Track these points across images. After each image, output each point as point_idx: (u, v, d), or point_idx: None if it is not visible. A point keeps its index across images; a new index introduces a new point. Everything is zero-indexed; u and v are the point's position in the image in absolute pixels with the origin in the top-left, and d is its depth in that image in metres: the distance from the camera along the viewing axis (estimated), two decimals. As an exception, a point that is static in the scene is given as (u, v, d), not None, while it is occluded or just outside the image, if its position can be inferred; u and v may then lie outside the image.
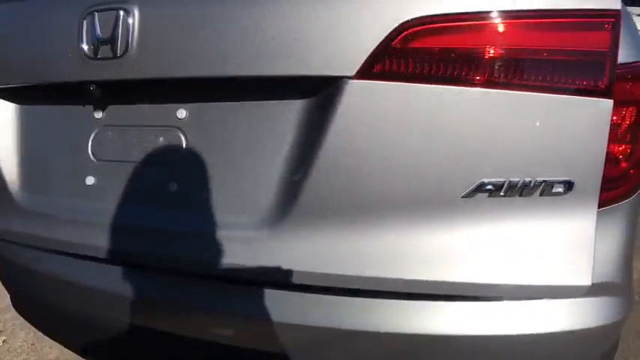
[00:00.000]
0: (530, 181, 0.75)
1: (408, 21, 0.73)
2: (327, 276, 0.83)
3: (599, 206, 0.79)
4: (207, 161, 0.95)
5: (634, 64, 0.84)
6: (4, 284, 1.62)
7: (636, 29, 1.01)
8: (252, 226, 0.89)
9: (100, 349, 1.38)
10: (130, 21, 0.89)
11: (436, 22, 0.73)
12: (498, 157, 0.76)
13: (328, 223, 0.82)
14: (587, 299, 0.84)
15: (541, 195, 0.76)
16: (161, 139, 0.99)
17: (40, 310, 1.52)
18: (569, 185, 0.75)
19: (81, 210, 1.10)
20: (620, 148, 0.85)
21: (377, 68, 0.76)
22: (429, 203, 0.78)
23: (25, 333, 2.25)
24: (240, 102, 0.92)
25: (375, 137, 0.77)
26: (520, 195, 0.76)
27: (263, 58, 0.80)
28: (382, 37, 0.74)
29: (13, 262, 1.49)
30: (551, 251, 0.78)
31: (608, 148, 0.76)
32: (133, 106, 1.03)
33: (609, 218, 0.84)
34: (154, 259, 1.02)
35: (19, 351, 2.15)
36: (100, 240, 1.04)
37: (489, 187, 0.76)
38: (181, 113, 0.97)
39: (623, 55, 0.81)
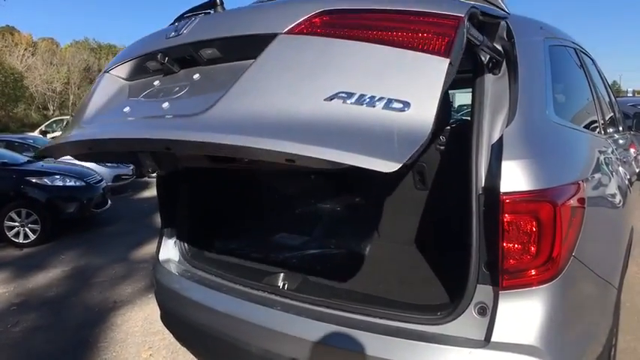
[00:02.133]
0: (375, 97, 1.12)
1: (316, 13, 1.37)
2: None
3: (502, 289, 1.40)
4: None
5: (544, 191, 1.37)
6: (157, 302, 2.36)
7: (579, 150, 1.65)
8: None
9: None
10: None
11: (335, 13, 1.35)
12: (356, 79, 1.19)
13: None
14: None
15: (383, 108, 1.10)
16: None
17: (183, 327, 2.17)
18: (406, 104, 1.09)
19: None
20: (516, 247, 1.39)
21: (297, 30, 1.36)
22: (305, 100, 1.22)
23: (166, 351, 3.23)
24: None
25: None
26: (367, 105, 1.12)
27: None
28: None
29: (165, 286, 2.22)
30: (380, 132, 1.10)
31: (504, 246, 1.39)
32: None
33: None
34: None
35: (159, 364, 3.12)
36: None
37: (343, 95, 1.15)
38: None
39: (544, 179, 1.38)
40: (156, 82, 1.70)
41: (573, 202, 1.45)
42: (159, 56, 1.62)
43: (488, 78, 1.62)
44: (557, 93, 1.86)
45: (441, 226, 2.20)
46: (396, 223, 2.47)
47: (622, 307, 3.37)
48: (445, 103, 2.15)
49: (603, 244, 1.82)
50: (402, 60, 1.18)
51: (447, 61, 1.12)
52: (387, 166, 1.01)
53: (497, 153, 1.43)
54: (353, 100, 1.14)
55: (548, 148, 1.55)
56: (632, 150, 3.39)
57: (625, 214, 2.23)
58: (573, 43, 2.55)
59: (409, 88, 1.12)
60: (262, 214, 2.99)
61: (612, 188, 1.98)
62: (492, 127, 1.51)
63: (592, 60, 3.05)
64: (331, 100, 1.16)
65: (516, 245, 1.38)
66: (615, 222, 2.05)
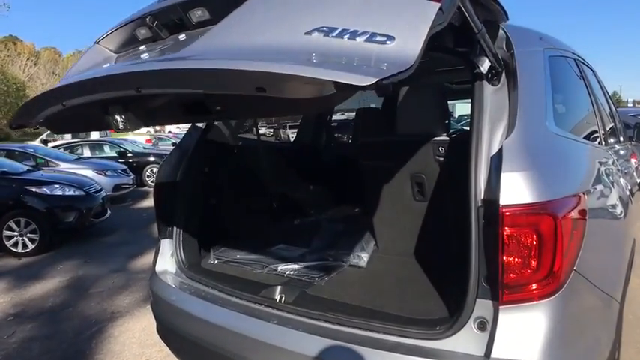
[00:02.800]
0: (358, 30, 1.08)
1: None
2: None
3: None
4: None
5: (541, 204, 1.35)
6: (153, 314, 2.35)
7: (572, 161, 1.63)
8: None
9: None
10: None
11: None
12: (339, 15, 1.15)
13: None
14: None
15: (366, 41, 1.06)
16: None
17: (178, 340, 2.15)
18: (391, 38, 1.04)
19: None
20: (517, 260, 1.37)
21: None
22: (284, 34, 1.19)
23: None
24: None
25: None
26: (348, 38, 1.08)
27: None
28: None
29: (161, 298, 2.19)
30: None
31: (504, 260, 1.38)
32: None
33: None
34: None
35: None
36: None
37: (325, 29, 1.11)
38: None
39: (537, 193, 1.35)
40: (142, 48, 1.67)
41: (574, 214, 1.43)
42: (148, 19, 1.59)
43: (488, 89, 1.61)
44: (557, 104, 1.85)
45: (440, 238, 2.17)
46: (395, 235, 2.44)
47: (624, 319, 3.33)
48: (444, 112, 2.13)
49: (605, 257, 1.79)
50: None
51: (438, 5, 1.09)
52: (361, 80, 0.93)
53: (496, 165, 1.41)
54: (334, 34, 1.10)
55: (548, 159, 1.53)
56: (633, 161, 3.37)
57: (626, 225, 2.21)
58: (573, 53, 2.54)
59: (395, 25, 1.08)
60: (260, 225, 2.97)
61: (613, 200, 1.96)
62: (492, 139, 1.50)
63: (592, 70, 3.04)
64: (311, 34, 1.12)
65: (516, 259, 1.35)
66: (617, 234, 2.02)
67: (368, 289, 1.99)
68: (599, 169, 1.94)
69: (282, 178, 3.10)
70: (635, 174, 3.25)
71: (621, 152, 2.98)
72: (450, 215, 2.14)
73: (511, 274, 1.36)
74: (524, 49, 1.75)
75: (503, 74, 1.64)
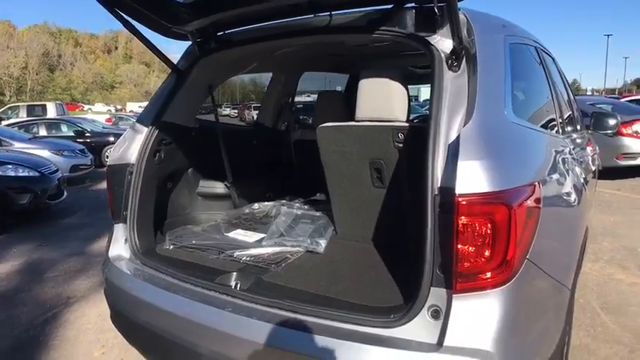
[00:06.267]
0: None
1: None
2: None
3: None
4: None
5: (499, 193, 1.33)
6: (107, 301, 2.25)
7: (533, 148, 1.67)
8: None
9: None
10: None
11: None
12: None
13: None
14: None
15: None
16: None
17: (132, 328, 2.08)
18: None
19: None
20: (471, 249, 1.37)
21: None
22: None
23: (119, 350, 3.08)
24: None
25: None
26: None
27: None
28: None
29: (114, 285, 2.12)
30: None
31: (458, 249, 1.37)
32: None
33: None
34: None
35: (111, 361, 2.99)
36: None
37: None
38: None
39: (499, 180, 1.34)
40: None
41: (529, 203, 1.44)
42: None
43: (448, 75, 1.59)
44: (517, 92, 1.85)
45: (398, 225, 2.17)
46: (354, 221, 2.42)
47: (576, 303, 3.45)
48: (405, 97, 2.11)
49: (558, 245, 1.82)
50: None
51: None
52: None
53: (453, 153, 1.40)
54: None
55: (505, 148, 1.53)
56: (588, 149, 3.45)
57: (580, 214, 2.26)
58: (534, 41, 2.56)
59: None
60: (218, 209, 2.91)
61: (568, 189, 1.99)
62: (450, 126, 1.48)
63: (552, 59, 3.08)
64: None
65: (470, 248, 1.35)
66: (570, 223, 2.06)
67: (325, 275, 1.97)
68: (555, 158, 1.96)
69: (241, 162, 3.02)
70: (590, 162, 3.33)
71: (578, 141, 3.04)
72: (407, 202, 2.13)
73: (465, 263, 1.36)
74: (485, 35, 1.73)
75: (464, 60, 1.63)
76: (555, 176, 1.83)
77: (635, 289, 4.00)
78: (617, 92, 59.08)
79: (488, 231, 1.34)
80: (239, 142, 3.30)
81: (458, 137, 1.42)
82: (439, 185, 1.41)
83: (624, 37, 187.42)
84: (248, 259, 2.13)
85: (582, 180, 2.50)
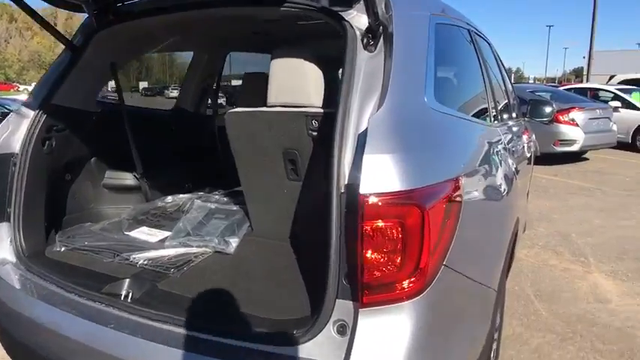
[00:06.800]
0: None
1: None
2: None
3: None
4: None
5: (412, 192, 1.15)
6: None
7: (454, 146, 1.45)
8: None
9: None
10: None
11: None
12: None
13: None
14: None
15: None
16: None
17: (16, 348, 1.79)
18: None
19: None
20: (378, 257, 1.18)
21: None
22: None
23: None
24: None
25: None
26: None
27: None
28: None
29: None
30: None
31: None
32: None
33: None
34: None
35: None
36: None
37: None
38: None
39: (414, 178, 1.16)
40: None
41: (448, 202, 1.28)
42: None
43: (362, 55, 1.39)
44: (442, 76, 1.69)
45: (315, 222, 1.98)
46: (269, 217, 2.21)
47: (510, 291, 3.43)
48: (319, 80, 1.89)
49: (482, 244, 1.68)
50: None
51: None
52: None
53: (361, 145, 1.20)
54: None
55: (421, 139, 1.35)
56: (524, 137, 3.40)
57: (510, 205, 2.14)
58: (468, 24, 2.41)
59: None
60: (123, 204, 2.61)
61: (498, 181, 1.86)
62: (361, 113, 1.29)
63: (489, 44, 2.96)
64: None
65: (378, 255, 1.17)
66: (498, 218, 1.94)
67: (229, 281, 1.75)
68: (484, 149, 1.82)
69: (156, 150, 2.73)
70: (526, 150, 3.28)
71: (514, 129, 2.95)
72: (324, 197, 1.94)
73: (373, 272, 1.18)
74: (405, 11, 1.55)
75: (381, 40, 1.44)
76: (483, 168, 1.69)
77: (567, 274, 4.05)
78: (557, 81, 61.84)
79: (399, 235, 1.16)
80: (154, 127, 2.99)
81: (366, 128, 1.23)
82: (346, 182, 1.22)
83: (565, 29, 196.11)
84: (145, 262, 1.87)
85: (514, 169, 2.39)
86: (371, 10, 1.35)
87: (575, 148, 9.24)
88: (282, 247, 2.07)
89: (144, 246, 2.02)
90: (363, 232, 1.16)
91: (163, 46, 2.64)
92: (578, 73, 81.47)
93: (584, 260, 4.35)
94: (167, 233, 2.15)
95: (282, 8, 1.59)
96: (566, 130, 9.10)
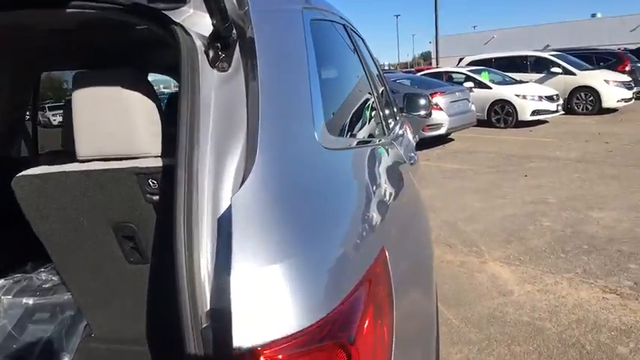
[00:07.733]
0: None
1: None
2: None
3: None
4: None
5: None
6: None
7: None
8: None
9: None
10: None
11: None
12: None
13: None
14: None
15: None
16: None
17: None
18: None
19: None
20: None
21: None
22: None
23: None
24: None
25: None
26: None
27: None
28: None
29: None
30: None
31: None
32: None
33: None
34: None
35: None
36: None
37: None
38: None
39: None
40: None
41: (377, 303, 0.80)
42: None
43: (210, 77, 0.86)
44: (329, 94, 1.20)
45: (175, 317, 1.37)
46: (112, 315, 1.53)
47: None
48: (153, 116, 1.27)
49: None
50: None
51: None
52: None
53: (224, 243, 0.67)
54: None
55: (321, 213, 0.82)
56: (408, 134, 3.15)
57: (431, 266, 1.72)
58: (342, 17, 1.95)
59: None
60: None
61: (421, 224, 1.43)
62: (218, 180, 0.76)
63: (362, 40, 2.56)
64: None
65: None
66: (426, 284, 1.50)
67: None
68: (392, 182, 1.37)
69: None
70: (413, 147, 3.07)
71: (400, 132, 2.62)
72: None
73: None
74: (268, 6, 1.03)
75: (237, 51, 0.91)
76: (401, 216, 1.24)
77: (465, 269, 3.94)
78: (409, 66, 66.28)
79: None
80: None
81: (229, 209, 0.69)
82: (210, 307, 0.68)
83: (411, 17, 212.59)
84: None
85: (416, 183, 2.02)
86: (213, 4, 0.81)
87: (442, 131, 9.64)
88: (136, 354, 1.44)
89: None
90: None
91: None
92: (426, 57, 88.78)
93: (477, 250, 4.30)
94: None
95: (68, 10, 0.96)
96: (433, 115, 9.42)
